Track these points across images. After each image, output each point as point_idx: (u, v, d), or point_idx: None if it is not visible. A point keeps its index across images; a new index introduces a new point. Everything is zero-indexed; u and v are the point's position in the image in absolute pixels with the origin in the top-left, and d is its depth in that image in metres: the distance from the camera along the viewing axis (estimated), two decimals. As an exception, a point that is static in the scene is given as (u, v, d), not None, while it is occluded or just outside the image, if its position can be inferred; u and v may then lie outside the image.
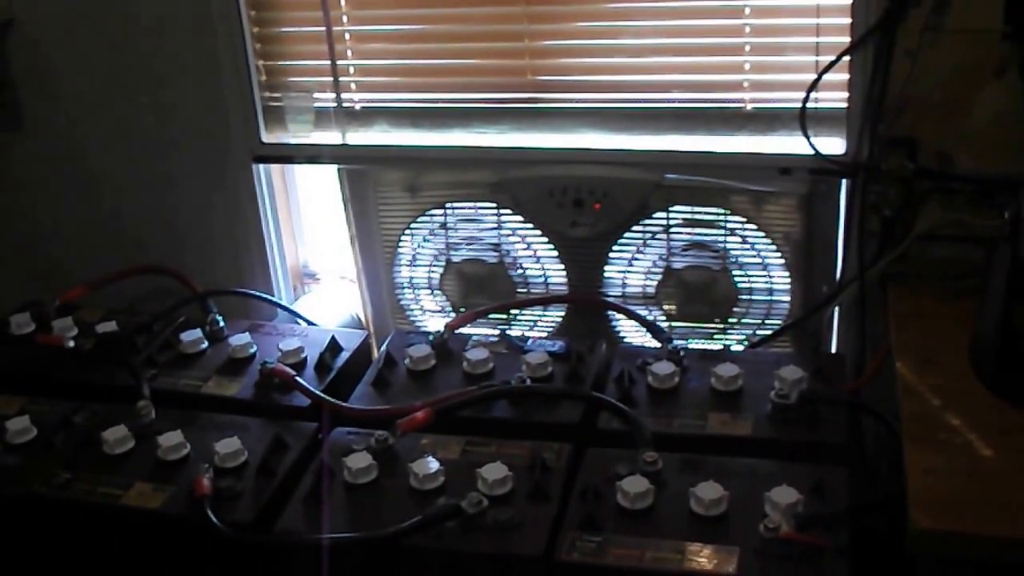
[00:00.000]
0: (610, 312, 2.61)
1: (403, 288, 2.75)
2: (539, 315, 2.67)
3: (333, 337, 2.39)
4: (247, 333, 2.41)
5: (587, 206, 2.46)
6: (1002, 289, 1.85)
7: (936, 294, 2.20)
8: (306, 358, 2.33)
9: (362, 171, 2.66)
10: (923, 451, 1.72)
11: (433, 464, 1.92)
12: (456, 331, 2.39)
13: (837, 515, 1.75)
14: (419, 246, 2.68)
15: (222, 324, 2.48)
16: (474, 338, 2.37)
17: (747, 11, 2.34)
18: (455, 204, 2.62)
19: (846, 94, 2.30)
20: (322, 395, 2.17)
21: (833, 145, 2.34)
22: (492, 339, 2.37)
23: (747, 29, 2.36)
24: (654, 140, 2.45)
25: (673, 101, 2.43)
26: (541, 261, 2.60)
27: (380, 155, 2.64)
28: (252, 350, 2.37)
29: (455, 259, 2.66)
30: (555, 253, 2.58)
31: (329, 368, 2.31)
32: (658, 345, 2.30)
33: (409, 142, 2.61)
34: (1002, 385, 1.85)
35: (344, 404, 2.17)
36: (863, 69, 2.24)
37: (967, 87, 2.18)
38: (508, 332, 2.43)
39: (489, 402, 2.13)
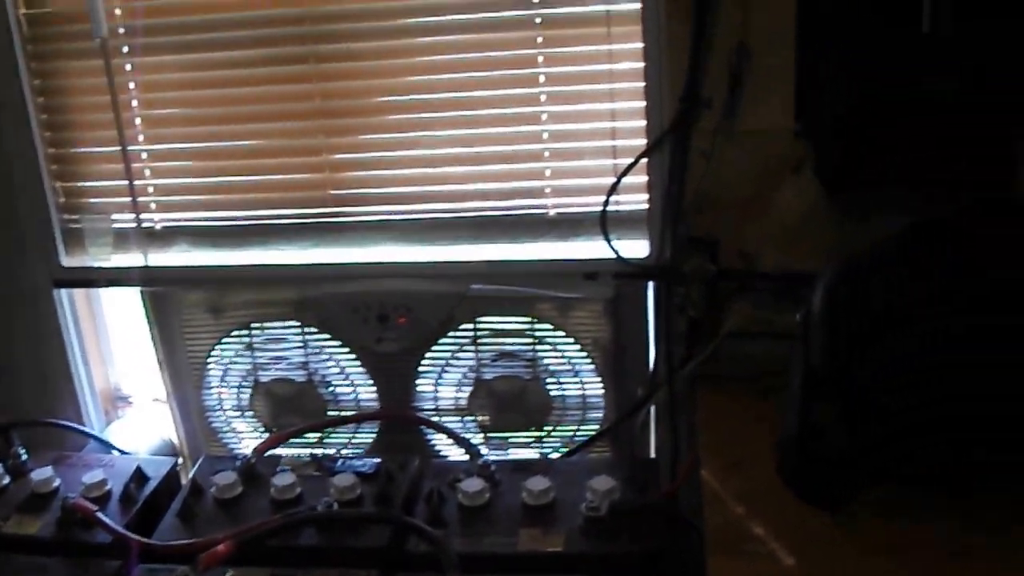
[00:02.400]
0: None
1: (214, 411, 2.57)
2: (352, 432, 2.50)
3: (139, 467, 2.20)
4: (50, 466, 2.21)
5: (392, 321, 2.34)
6: (799, 389, 1.77)
7: (747, 394, 2.11)
8: (111, 490, 2.14)
9: (165, 293, 2.48)
10: (727, 562, 1.64)
11: (234, 601, 1.75)
12: (266, 454, 2.22)
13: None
14: (227, 368, 2.50)
15: (25, 457, 2.27)
16: (284, 460, 2.20)
17: (544, 117, 2.26)
18: (260, 324, 2.46)
19: (646, 196, 2.22)
20: (123, 531, 1.99)
21: (637, 247, 2.26)
22: (304, 459, 2.19)
23: (545, 135, 2.27)
24: (457, 250, 2.35)
25: (475, 210, 2.33)
26: (350, 378, 2.45)
27: (182, 276, 2.48)
28: (55, 484, 2.17)
29: (263, 379, 2.50)
30: (363, 369, 2.44)
31: (135, 500, 2.12)
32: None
33: (211, 262, 2.46)
34: (804, 487, 1.77)
35: (145, 540, 1.98)
36: (661, 171, 2.16)
37: (765, 185, 2.13)
38: (321, 452, 2.25)
39: (295, 530, 1.97)
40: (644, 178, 2.20)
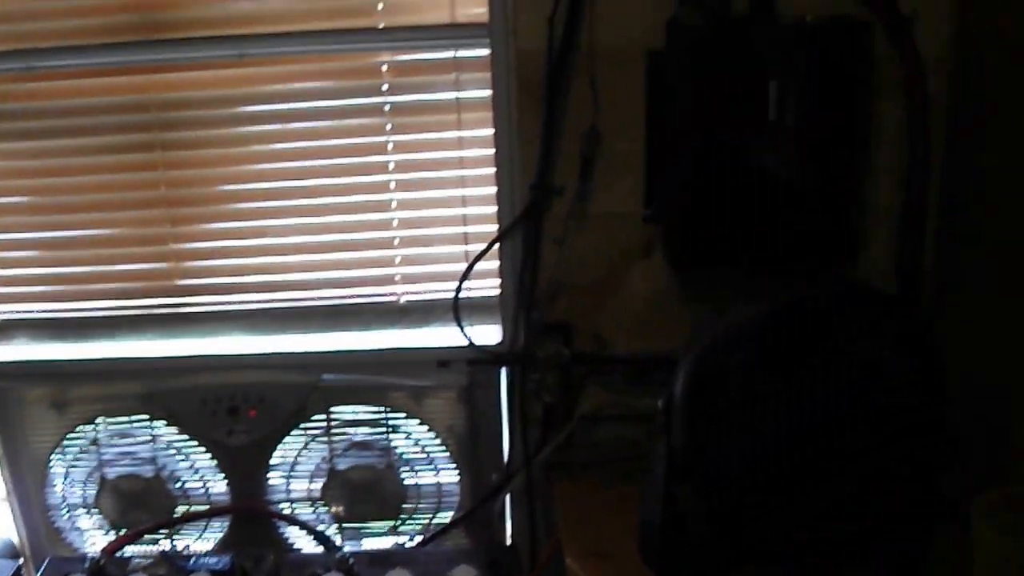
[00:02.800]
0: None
1: (58, 509, 2.40)
2: (203, 528, 2.35)
3: (-22, 573, 2.04)
4: None
5: (242, 413, 2.23)
6: (661, 474, 1.73)
7: (603, 479, 2.09)
8: (-51, 599, 1.99)
9: (4, 388, 2.33)
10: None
11: None
12: (115, 554, 2.10)
13: None
14: (71, 464, 2.34)
15: None
16: (135, 560, 2.07)
17: (393, 204, 2.19)
18: (106, 419, 2.30)
19: (498, 282, 2.18)
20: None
21: (490, 334, 2.21)
22: (154, 558, 2.06)
23: (395, 223, 2.21)
24: (308, 340, 2.26)
25: (325, 299, 2.25)
26: (200, 472, 2.31)
27: (22, 371, 2.33)
28: None
29: (110, 475, 2.35)
30: (214, 463, 2.30)
31: (-25, 607, 1.98)
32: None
33: (52, 356, 2.31)
34: (669, 571, 1.75)
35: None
36: (512, 257, 2.12)
37: (616, 269, 2.12)
38: (172, 549, 2.12)
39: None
40: (495, 264, 2.15)
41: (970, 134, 1.99)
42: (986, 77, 1.93)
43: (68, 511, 2.41)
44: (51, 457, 2.36)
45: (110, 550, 2.11)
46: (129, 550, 2.16)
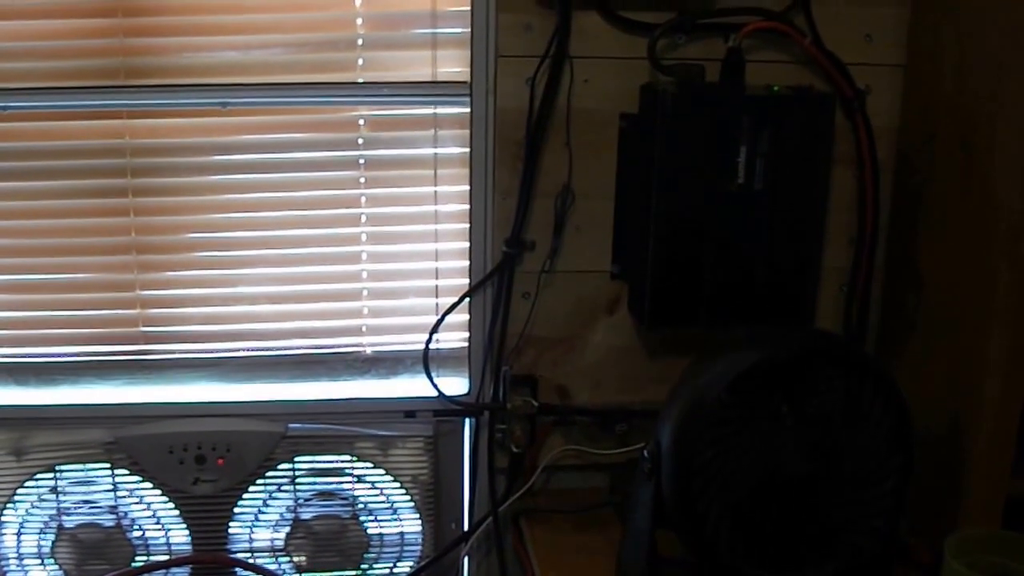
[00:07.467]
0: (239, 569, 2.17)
1: (9, 560, 2.21)
2: (162, 578, 2.18)
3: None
4: None
5: (210, 462, 2.07)
6: (647, 521, 1.66)
7: (571, 526, 2.02)
8: None
9: (-38, 435, 2.13)
10: None
11: None
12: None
13: None
14: (27, 514, 2.15)
15: None
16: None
17: (364, 256, 2.09)
18: (67, 466, 2.12)
19: (467, 334, 2.09)
20: None
21: (456, 385, 2.12)
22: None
23: (364, 275, 2.10)
24: (276, 389, 2.13)
25: (293, 349, 2.13)
26: (161, 521, 2.13)
27: (-20, 416, 2.13)
28: None
29: (68, 525, 2.17)
30: (176, 512, 2.13)
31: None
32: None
33: (12, 401, 2.13)
34: None
35: None
36: (483, 310, 2.05)
37: (581, 323, 2.06)
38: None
39: None
40: (464, 317, 2.07)
41: (914, 202, 1.96)
42: (931, 147, 1.91)
43: (20, 562, 2.21)
44: (6, 507, 2.17)
45: (70, 602, 1.94)
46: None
